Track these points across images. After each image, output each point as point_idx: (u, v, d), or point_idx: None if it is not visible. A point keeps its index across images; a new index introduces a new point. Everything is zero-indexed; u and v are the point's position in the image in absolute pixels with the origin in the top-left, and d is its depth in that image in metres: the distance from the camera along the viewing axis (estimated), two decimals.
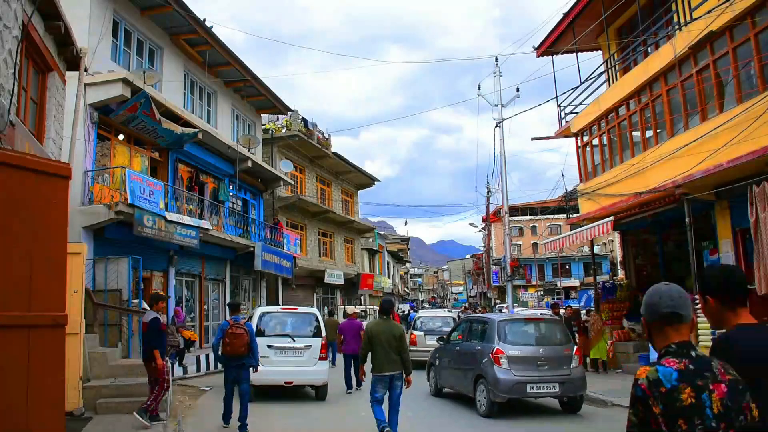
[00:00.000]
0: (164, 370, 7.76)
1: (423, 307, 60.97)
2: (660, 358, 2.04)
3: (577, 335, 14.26)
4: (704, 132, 11.48)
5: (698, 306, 2.49)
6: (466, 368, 10.16)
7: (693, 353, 1.98)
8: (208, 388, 12.46)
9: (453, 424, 9.18)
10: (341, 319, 18.55)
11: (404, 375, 7.36)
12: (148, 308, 8.58)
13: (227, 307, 9.70)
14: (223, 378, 8.42)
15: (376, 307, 28.94)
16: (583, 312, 17.74)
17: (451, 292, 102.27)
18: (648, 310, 2.13)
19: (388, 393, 7.36)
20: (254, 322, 10.89)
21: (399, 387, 7.33)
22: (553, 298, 52.97)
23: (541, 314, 16.09)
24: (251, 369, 8.29)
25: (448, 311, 27.30)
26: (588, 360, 14.28)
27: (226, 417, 8.23)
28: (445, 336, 12.07)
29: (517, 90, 19.04)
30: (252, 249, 19.79)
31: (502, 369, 9.12)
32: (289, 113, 26.15)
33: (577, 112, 17.47)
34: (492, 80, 25.34)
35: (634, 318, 15.37)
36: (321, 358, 10.92)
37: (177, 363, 13.83)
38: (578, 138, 17.38)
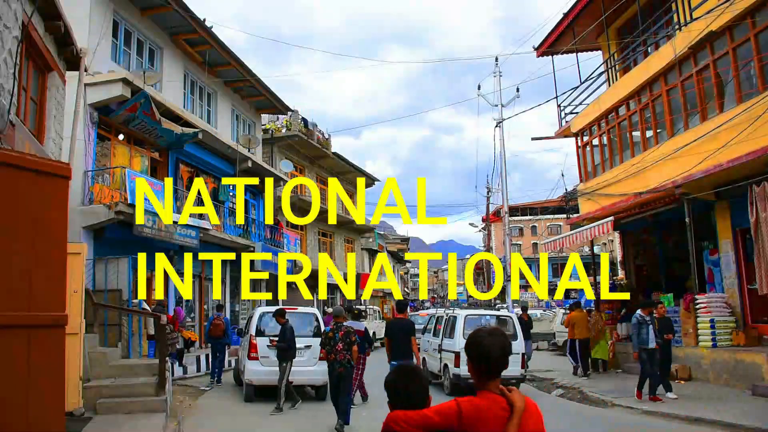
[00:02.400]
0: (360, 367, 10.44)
1: (425, 308, 60.75)
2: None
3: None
4: (704, 132, 11.48)
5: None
6: None
7: (338, 325, 8.62)
8: (208, 388, 12.46)
9: None
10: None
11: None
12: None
13: (215, 307, 15.70)
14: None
15: (377, 307, 29.56)
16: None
17: None
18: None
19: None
20: (254, 322, 11.33)
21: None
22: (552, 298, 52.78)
23: None
24: (227, 346, 13.82)
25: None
26: (589, 360, 14.23)
27: (212, 374, 13.29)
28: None
29: (517, 90, 19.06)
30: (252, 249, 19.78)
31: None
32: (289, 113, 26.10)
33: (577, 112, 17.47)
34: (492, 80, 25.35)
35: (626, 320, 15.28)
36: (321, 358, 10.90)
37: (177, 363, 13.81)
38: (578, 138, 17.38)
